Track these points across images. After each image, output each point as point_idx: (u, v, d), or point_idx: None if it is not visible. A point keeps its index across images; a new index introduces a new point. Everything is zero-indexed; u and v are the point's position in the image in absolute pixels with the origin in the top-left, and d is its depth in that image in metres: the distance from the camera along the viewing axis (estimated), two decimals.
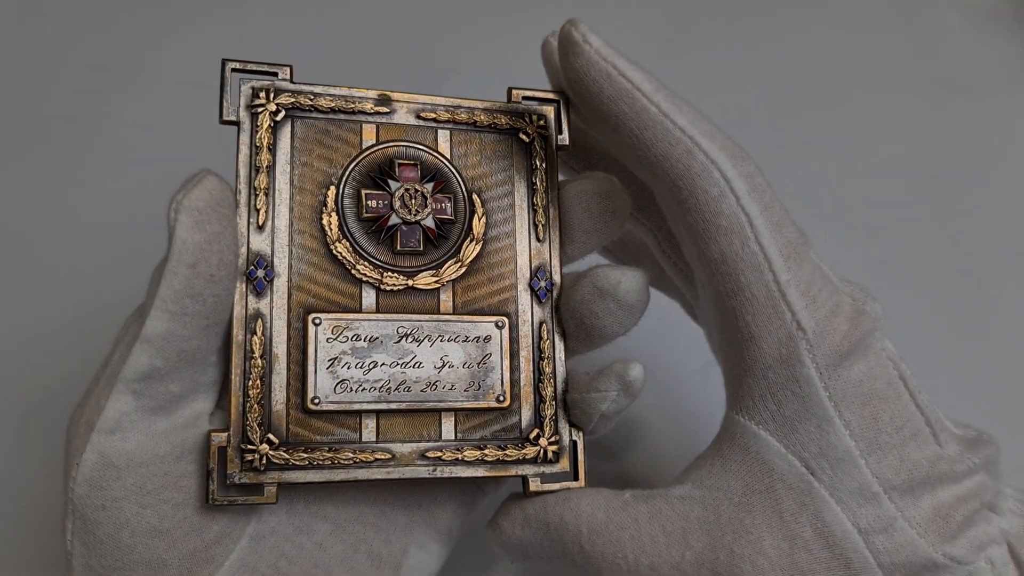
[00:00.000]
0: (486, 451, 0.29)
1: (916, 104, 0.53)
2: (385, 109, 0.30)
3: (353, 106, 0.30)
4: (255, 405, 0.27)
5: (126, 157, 0.46)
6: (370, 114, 0.30)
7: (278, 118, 0.29)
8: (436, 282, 0.30)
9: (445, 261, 0.30)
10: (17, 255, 0.44)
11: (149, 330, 0.25)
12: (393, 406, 0.28)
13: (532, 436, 0.30)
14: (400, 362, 0.29)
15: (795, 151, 0.47)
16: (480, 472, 0.29)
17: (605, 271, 0.29)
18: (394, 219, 0.29)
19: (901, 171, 0.52)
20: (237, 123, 0.28)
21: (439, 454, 0.29)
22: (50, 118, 0.47)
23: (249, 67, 0.29)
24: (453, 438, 0.29)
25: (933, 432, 0.28)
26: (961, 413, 0.31)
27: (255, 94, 0.29)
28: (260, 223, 0.28)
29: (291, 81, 0.29)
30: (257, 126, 0.28)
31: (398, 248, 0.29)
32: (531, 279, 0.31)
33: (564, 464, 0.30)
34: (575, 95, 0.29)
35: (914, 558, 0.26)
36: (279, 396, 0.27)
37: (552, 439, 0.30)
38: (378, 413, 0.28)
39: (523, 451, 0.29)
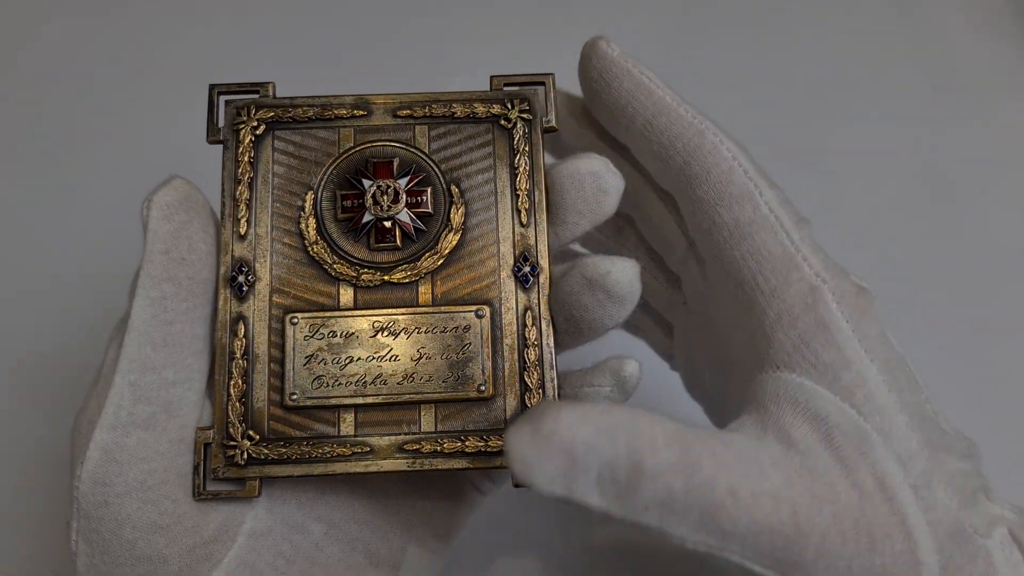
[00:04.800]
0: (466, 442, 0.28)
1: (916, 107, 0.53)
2: (362, 112, 0.31)
3: (331, 113, 0.31)
4: (237, 403, 0.28)
5: (122, 171, 0.50)
6: (347, 119, 0.31)
7: (258, 132, 0.30)
8: (413, 275, 0.29)
9: (423, 254, 0.30)
10: (20, 260, 0.48)
11: (135, 318, 0.27)
12: (370, 400, 0.28)
13: None
14: (376, 356, 0.29)
15: (793, 154, 0.47)
16: (461, 464, 0.28)
17: (594, 260, 0.28)
18: (367, 216, 0.30)
19: (901, 174, 0.51)
20: (223, 142, 0.30)
21: (418, 447, 0.28)
22: (50, 134, 0.51)
23: (233, 88, 0.31)
24: (433, 430, 0.28)
25: (933, 410, 0.27)
26: (957, 423, 0.29)
27: (237, 112, 0.30)
28: (242, 232, 0.29)
29: (272, 96, 0.31)
30: (239, 142, 0.30)
31: (374, 245, 0.30)
32: (515, 265, 0.30)
33: None
34: (593, 93, 0.31)
35: (947, 518, 0.25)
36: (260, 394, 0.28)
37: None
38: (356, 407, 0.29)
39: None
